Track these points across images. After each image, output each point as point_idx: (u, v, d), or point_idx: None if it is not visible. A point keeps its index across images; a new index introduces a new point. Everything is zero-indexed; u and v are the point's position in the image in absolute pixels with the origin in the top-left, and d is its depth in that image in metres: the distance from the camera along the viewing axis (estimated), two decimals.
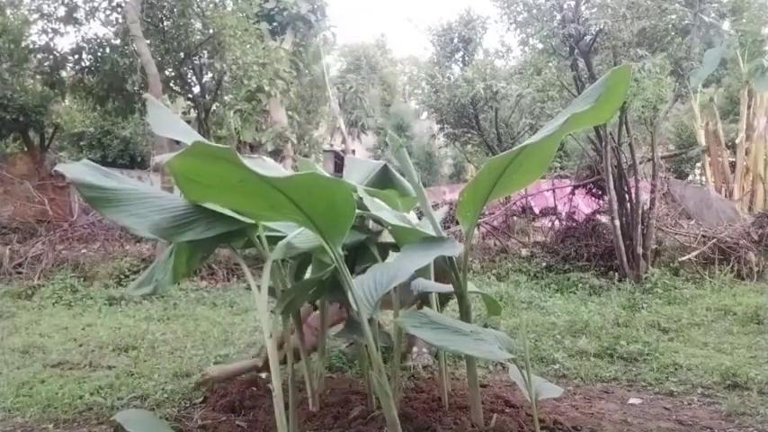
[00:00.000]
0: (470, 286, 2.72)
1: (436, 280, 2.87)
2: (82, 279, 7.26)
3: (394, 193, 2.93)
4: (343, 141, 18.82)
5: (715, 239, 7.71)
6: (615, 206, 7.18)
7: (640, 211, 7.28)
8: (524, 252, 8.73)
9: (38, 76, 13.21)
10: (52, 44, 12.10)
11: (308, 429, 2.68)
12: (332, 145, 22.43)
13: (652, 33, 7.78)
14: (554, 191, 10.69)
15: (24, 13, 12.80)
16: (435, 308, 2.94)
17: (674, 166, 16.14)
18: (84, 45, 11.97)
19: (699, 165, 15.69)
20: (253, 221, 2.31)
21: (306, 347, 3.01)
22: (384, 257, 2.86)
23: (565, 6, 7.45)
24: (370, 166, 3.13)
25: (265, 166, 3.17)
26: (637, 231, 7.17)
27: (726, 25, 10.33)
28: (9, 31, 12.25)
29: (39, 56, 12.34)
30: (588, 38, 7.23)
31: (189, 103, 13.02)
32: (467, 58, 21.02)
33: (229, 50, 10.92)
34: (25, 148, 15.31)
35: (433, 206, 3.54)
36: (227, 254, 7.66)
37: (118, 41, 11.68)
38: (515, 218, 10.92)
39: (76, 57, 12.12)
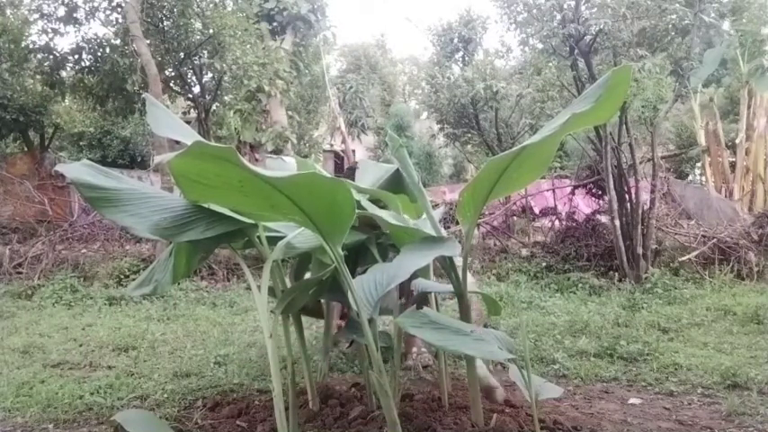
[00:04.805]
0: (470, 284, 2.72)
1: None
2: (82, 279, 7.26)
3: (403, 197, 2.92)
4: (343, 141, 18.82)
5: (715, 239, 7.71)
6: (615, 206, 7.18)
7: (640, 211, 7.27)
8: (524, 252, 8.73)
9: (38, 76, 13.21)
10: (52, 44, 12.11)
11: (308, 429, 2.68)
12: (332, 145, 22.43)
13: (652, 33, 7.78)
14: (554, 191, 10.69)
15: (24, 13, 12.82)
16: (435, 308, 2.94)
17: (674, 166, 16.14)
18: (84, 45, 11.98)
19: (699, 165, 15.70)
20: (253, 221, 2.31)
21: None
22: (384, 258, 2.86)
23: (565, 6, 7.45)
24: (383, 170, 3.13)
25: (284, 167, 3.18)
26: (637, 231, 7.17)
27: (726, 25, 10.34)
28: (9, 31, 12.26)
29: (39, 56, 12.34)
30: (588, 38, 7.23)
31: (189, 103, 13.01)
32: (467, 58, 21.04)
33: (229, 50, 10.92)
34: (25, 148, 15.31)
35: (432, 206, 3.54)
36: (228, 254, 7.66)
37: (118, 41, 11.69)
38: (515, 218, 10.92)
39: (76, 57, 12.13)
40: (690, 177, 17.39)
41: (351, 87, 22.03)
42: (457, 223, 8.01)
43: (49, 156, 15.28)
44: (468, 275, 3.63)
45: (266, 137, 14.62)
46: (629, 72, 2.19)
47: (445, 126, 12.98)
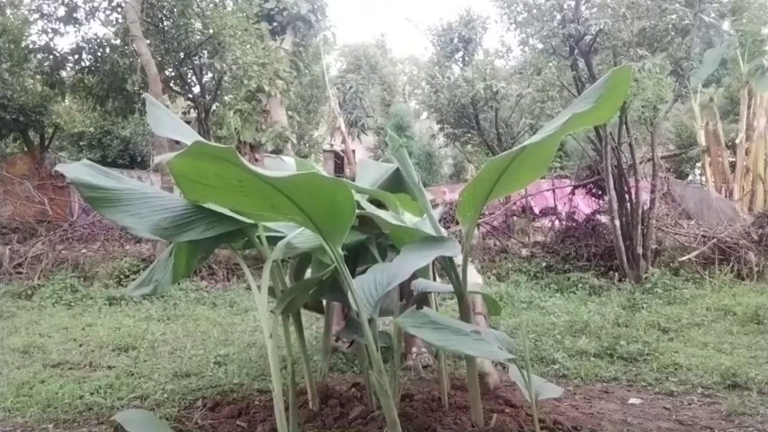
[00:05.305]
0: (476, 284, 2.71)
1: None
2: (82, 279, 7.26)
3: (403, 195, 2.92)
4: (343, 141, 18.76)
5: (715, 239, 7.71)
6: (615, 206, 7.18)
7: (640, 211, 7.27)
8: (524, 252, 8.73)
9: (38, 76, 13.21)
10: (52, 44, 12.10)
11: (308, 429, 2.68)
12: (332, 145, 22.40)
13: (652, 33, 7.77)
14: (554, 191, 10.69)
15: (24, 13, 12.82)
16: (435, 308, 2.94)
17: (674, 166, 16.14)
18: (84, 45, 11.97)
19: (699, 165, 15.70)
20: (253, 221, 2.31)
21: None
22: (384, 258, 2.86)
23: (565, 6, 7.45)
24: (383, 169, 3.13)
25: (282, 167, 3.17)
26: (637, 231, 7.17)
27: (726, 25, 10.33)
28: (9, 31, 12.26)
29: (39, 56, 12.34)
30: (588, 38, 7.23)
31: (189, 103, 13.01)
32: (467, 58, 21.03)
33: (229, 50, 10.91)
34: (25, 148, 15.31)
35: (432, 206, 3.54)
36: (228, 254, 7.66)
37: (118, 41, 11.69)
38: (515, 218, 10.93)
39: (76, 57, 12.12)
40: (690, 177, 17.39)
41: (351, 87, 22.00)
42: (457, 223, 8.01)
43: (49, 156, 15.28)
44: (476, 275, 3.64)
45: (266, 137, 14.60)
46: (629, 72, 2.20)
47: (445, 126, 12.99)
